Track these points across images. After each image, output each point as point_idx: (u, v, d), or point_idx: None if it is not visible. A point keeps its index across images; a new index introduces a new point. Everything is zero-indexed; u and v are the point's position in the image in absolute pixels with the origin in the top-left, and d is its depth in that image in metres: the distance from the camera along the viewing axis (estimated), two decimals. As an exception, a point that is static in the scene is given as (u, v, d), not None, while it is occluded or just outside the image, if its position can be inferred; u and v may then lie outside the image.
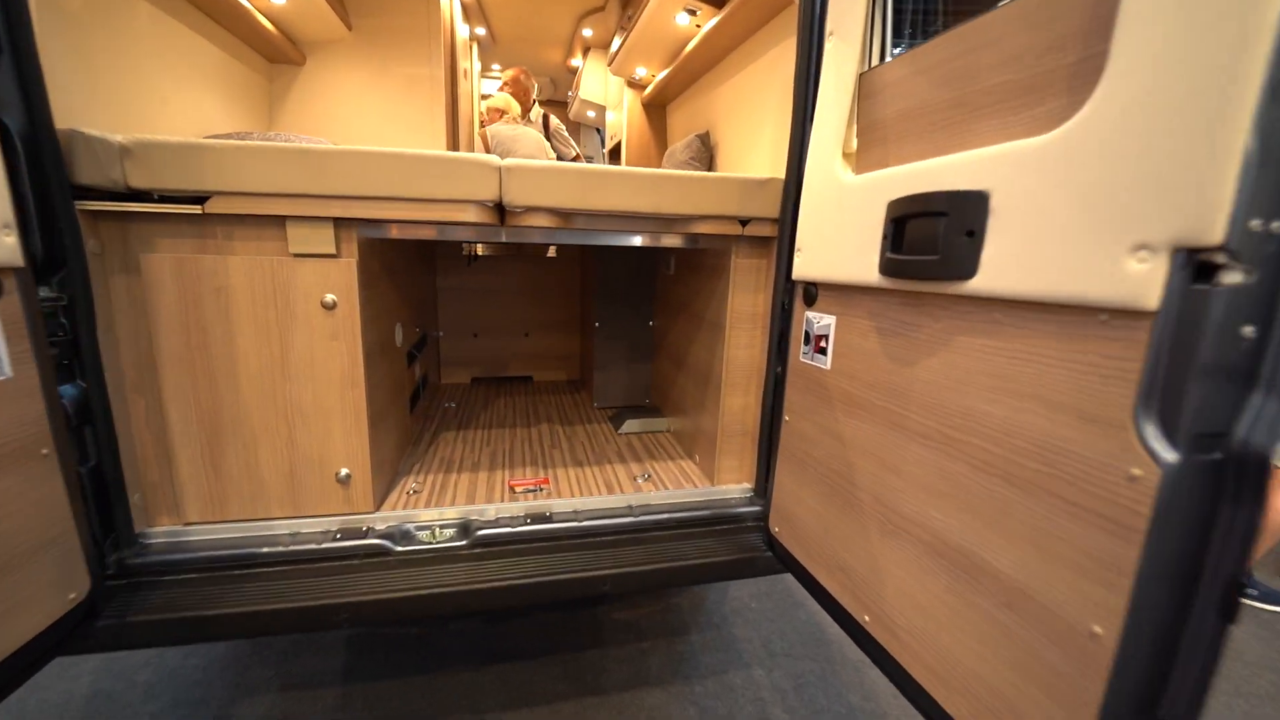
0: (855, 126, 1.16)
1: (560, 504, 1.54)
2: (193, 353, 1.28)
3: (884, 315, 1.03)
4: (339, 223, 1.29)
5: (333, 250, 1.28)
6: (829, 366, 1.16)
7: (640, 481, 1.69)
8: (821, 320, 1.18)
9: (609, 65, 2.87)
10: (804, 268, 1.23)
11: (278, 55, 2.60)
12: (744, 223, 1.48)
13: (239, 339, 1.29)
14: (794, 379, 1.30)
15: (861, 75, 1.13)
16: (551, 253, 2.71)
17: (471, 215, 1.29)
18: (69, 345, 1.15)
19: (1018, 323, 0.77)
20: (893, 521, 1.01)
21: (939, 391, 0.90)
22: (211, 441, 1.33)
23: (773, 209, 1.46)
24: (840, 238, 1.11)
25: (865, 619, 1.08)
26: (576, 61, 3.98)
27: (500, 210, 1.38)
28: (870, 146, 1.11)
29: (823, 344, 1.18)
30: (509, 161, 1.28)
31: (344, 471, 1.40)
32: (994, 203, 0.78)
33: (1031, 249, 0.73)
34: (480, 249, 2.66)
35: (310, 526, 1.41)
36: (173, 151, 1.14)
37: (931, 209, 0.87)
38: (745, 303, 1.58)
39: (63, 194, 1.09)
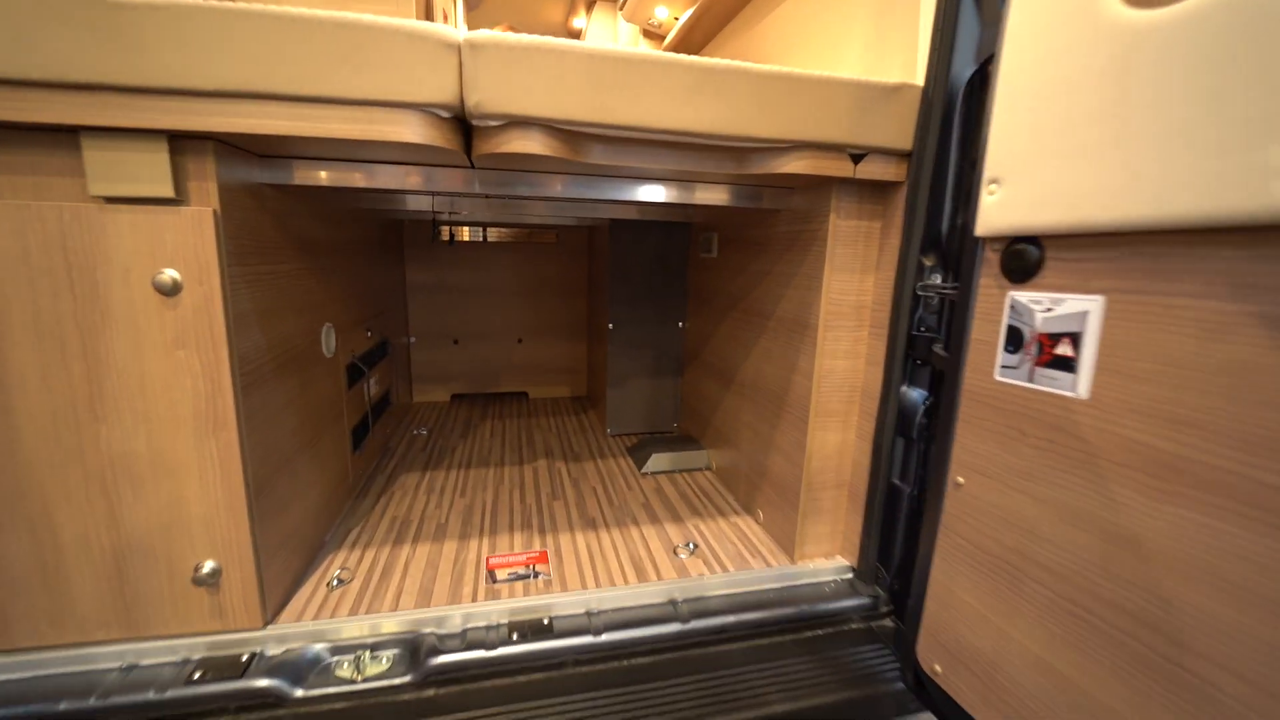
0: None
1: (565, 601, 0.99)
2: (-78, 373, 0.73)
3: (1253, 291, 0.48)
4: (178, 141, 0.74)
5: (169, 191, 0.74)
6: (1083, 393, 0.61)
7: (684, 556, 1.14)
8: (1063, 306, 0.63)
9: (620, 9, 2.34)
10: (1010, 212, 0.69)
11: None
12: (857, 157, 0.93)
13: (8, 351, 0.74)
14: (974, 412, 0.75)
15: None
16: (552, 237, 2.17)
17: (413, 132, 0.75)
18: None
19: None
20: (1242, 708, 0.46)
21: None
22: (-28, 524, 0.78)
23: (902, 135, 0.92)
24: (1118, 141, 0.57)
25: None
26: (579, 22, 3.45)
27: (464, 128, 0.83)
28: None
29: (1065, 350, 0.63)
30: (478, 34, 0.73)
31: (208, 566, 0.84)
32: None
33: None
34: (466, 232, 2.12)
35: (154, 656, 0.86)
36: None
37: None
38: (847, 288, 1.03)
39: None
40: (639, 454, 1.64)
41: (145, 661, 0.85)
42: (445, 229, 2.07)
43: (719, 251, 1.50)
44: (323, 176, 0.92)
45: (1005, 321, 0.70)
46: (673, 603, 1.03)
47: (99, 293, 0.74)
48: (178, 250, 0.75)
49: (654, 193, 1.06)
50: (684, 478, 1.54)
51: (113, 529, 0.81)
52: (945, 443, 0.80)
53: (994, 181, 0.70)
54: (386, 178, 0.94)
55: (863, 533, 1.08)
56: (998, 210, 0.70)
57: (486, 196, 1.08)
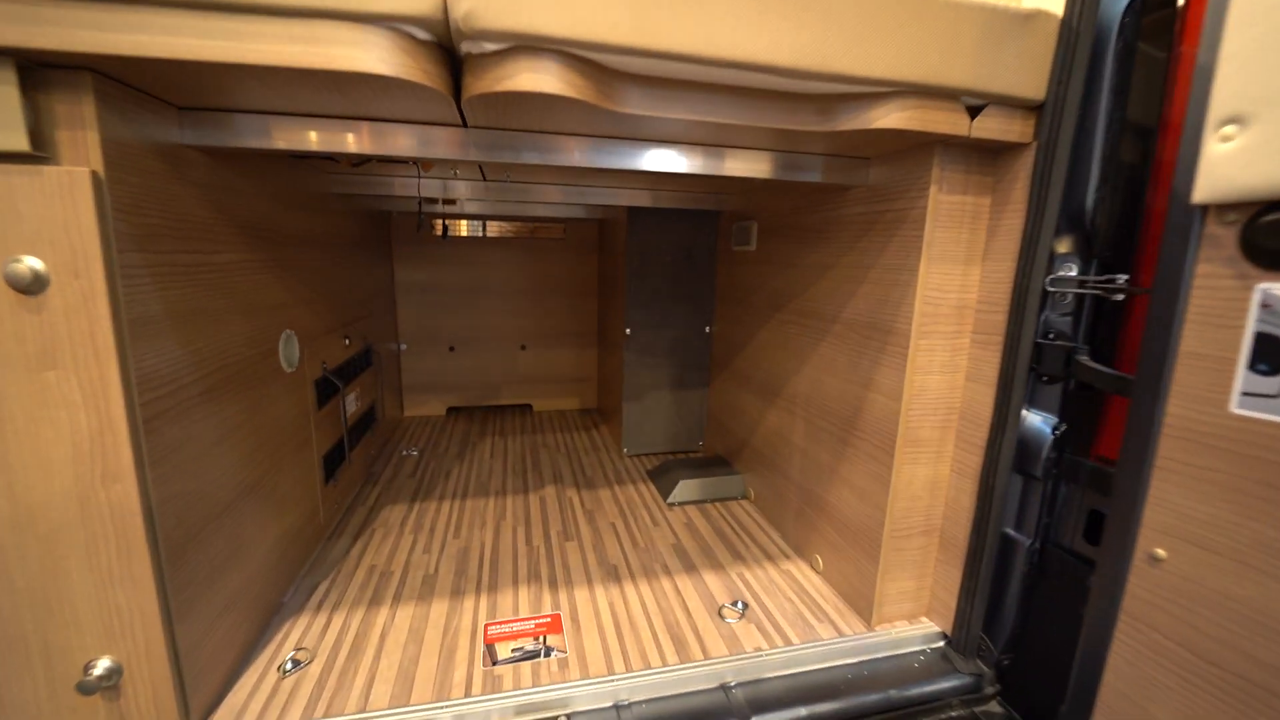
0: None
1: (587, 692, 0.76)
2: None
3: None
4: (37, 73, 0.52)
5: (22, 143, 0.51)
6: None
7: (732, 620, 0.91)
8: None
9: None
10: (1262, 164, 0.46)
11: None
12: (975, 110, 0.71)
13: None
14: (1188, 457, 0.52)
15: None
16: (559, 231, 1.94)
17: (377, 58, 0.52)
18: None
19: None
20: None
21: None
22: None
23: (1031, 80, 0.69)
24: None
25: None
26: None
27: (452, 63, 0.61)
28: None
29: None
30: (463, -89, 0.51)
31: (102, 665, 0.61)
32: None
33: None
34: (463, 227, 1.89)
35: (31, 787, 0.62)
36: None
37: None
38: (947, 283, 0.80)
39: None
40: (662, 479, 1.41)
41: (19, 793, 0.62)
42: (438, 222, 1.85)
43: (759, 243, 1.27)
44: (267, 137, 0.70)
45: (1251, 327, 0.47)
46: (724, 688, 0.80)
47: (-77, 289, 0.52)
48: (39, 229, 0.52)
49: (692, 162, 0.83)
50: (717, 509, 1.31)
51: (-36, 618, 0.58)
52: (1131, 497, 0.57)
53: (1232, 122, 0.47)
54: (353, 138, 0.71)
55: (961, 593, 0.85)
56: (1238, 163, 0.47)
57: (477, 164, 0.85)
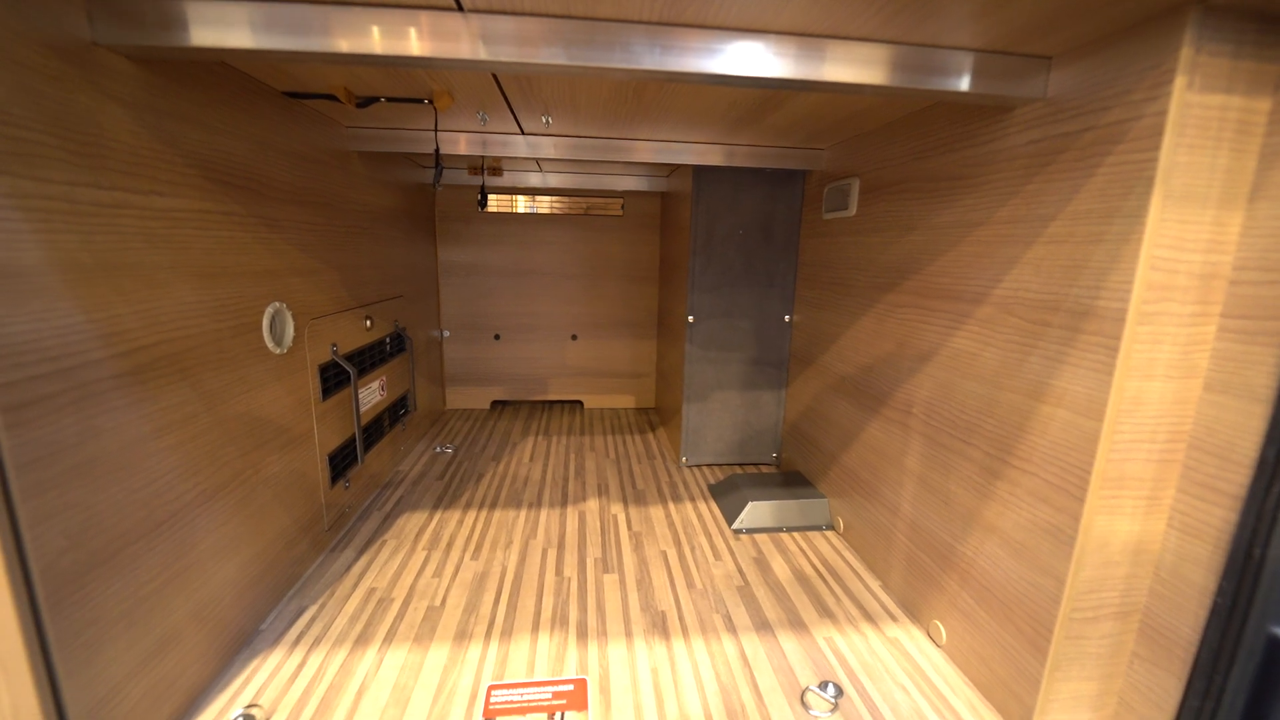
0: None
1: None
2: None
3: None
4: None
5: None
6: None
7: (821, 714, 0.65)
8: None
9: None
10: None
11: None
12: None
13: None
14: None
15: None
16: (616, 206, 1.73)
17: None
18: None
19: None
20: None
21: None
22: None
23: None
24: None
25: None
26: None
27: None
28: None
29: None
30: None
31: (-47, 739, 0.45)
32: None
33: None
34: (519, 203, 1.72)
35: None
36: None
37: None
38: (1191, 238, 0.51)
39: None
40: (727, 499, 1.16)
41: None
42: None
43: (860, 205, 1.00)
44: (218, 29, 0.52)
45: None
46: (810, 824, 0.55)
47: None
48: None
49: (780, 63, 0.58)
50: (794, 540, 1.04)
51: None
52: None
53: None
54: (321, 33, 0.52)
55: (1183, 712, 0.55)
56: None
57: (486, 65, 0.65)
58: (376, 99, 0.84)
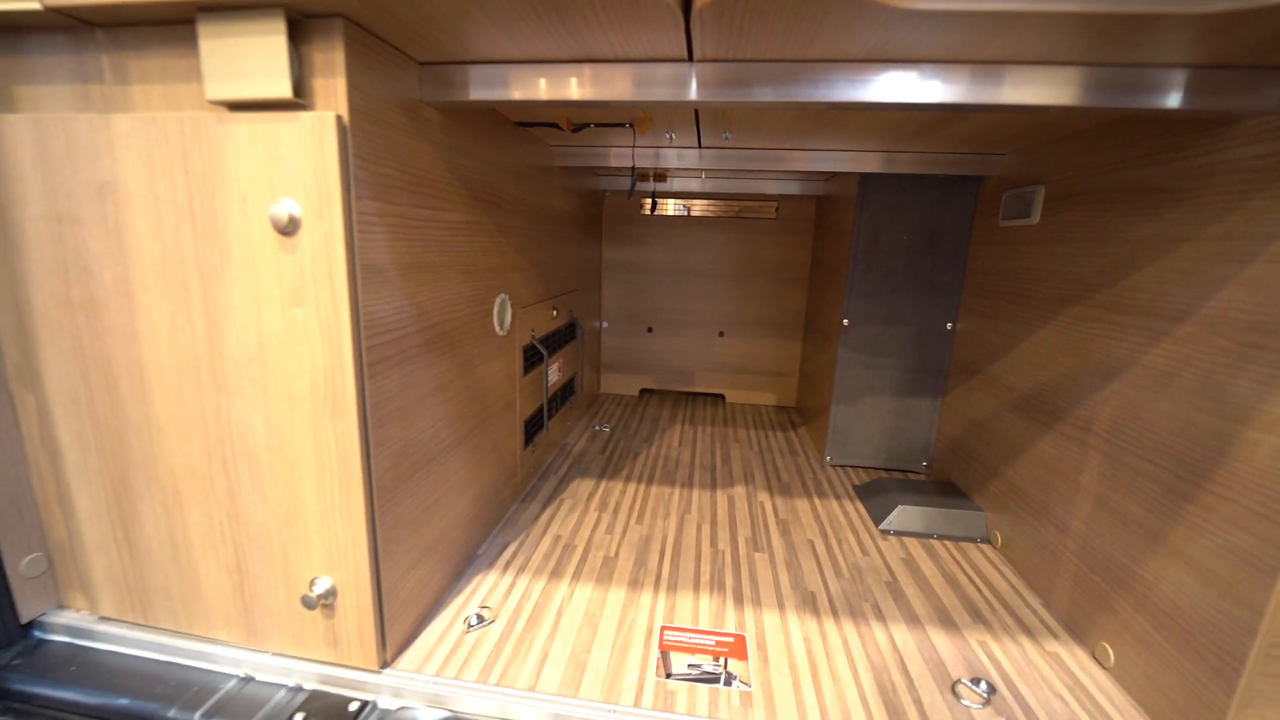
0: None
1: (772, 744, 0.63)
2: (76, 316, 0.65)
3: None
4: (301, 23, 0.54)
5: (286, 90, 0.54)
6: None
7: (973, 705, 0.69)
8: None
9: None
10: None
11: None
12: None
13: (139, 295, 0.63)
14: None
15: None
16: (770, 210, 1.79)
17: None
18: None
19: None
20: None
21: None
22: (119, 486, 0.70)
23: None
24: None
25: None
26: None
27: (686, 4, 0.51)
28: None
29: None
30: None
31: (321, 585, 0.66)
32: None
33: None
34: (669, 206, 1.85)
35: (271, 671, 0.71)
36: None
37: None
38: None
39: None
40: (875, 500, 1.19)
41: (260, 676, 0.71)
42: (646, 201, 1.82)
43: (1044, 214, 0.97)
44: (501, 87, 0.68)
45: None
46: (958, 795, 0.59)
47: (218, 228, 0.59)
48: (295, 173, 0.56)
49: (975, 89, 0.62)
50: (947, 549, 1.05)
51: (233, 517, 0.67)
52: None
53: None
54: (575, 82, 0.66)
55: None
56: None
57: (706, 105, 0.75)
58: (588, 125, 1.00)
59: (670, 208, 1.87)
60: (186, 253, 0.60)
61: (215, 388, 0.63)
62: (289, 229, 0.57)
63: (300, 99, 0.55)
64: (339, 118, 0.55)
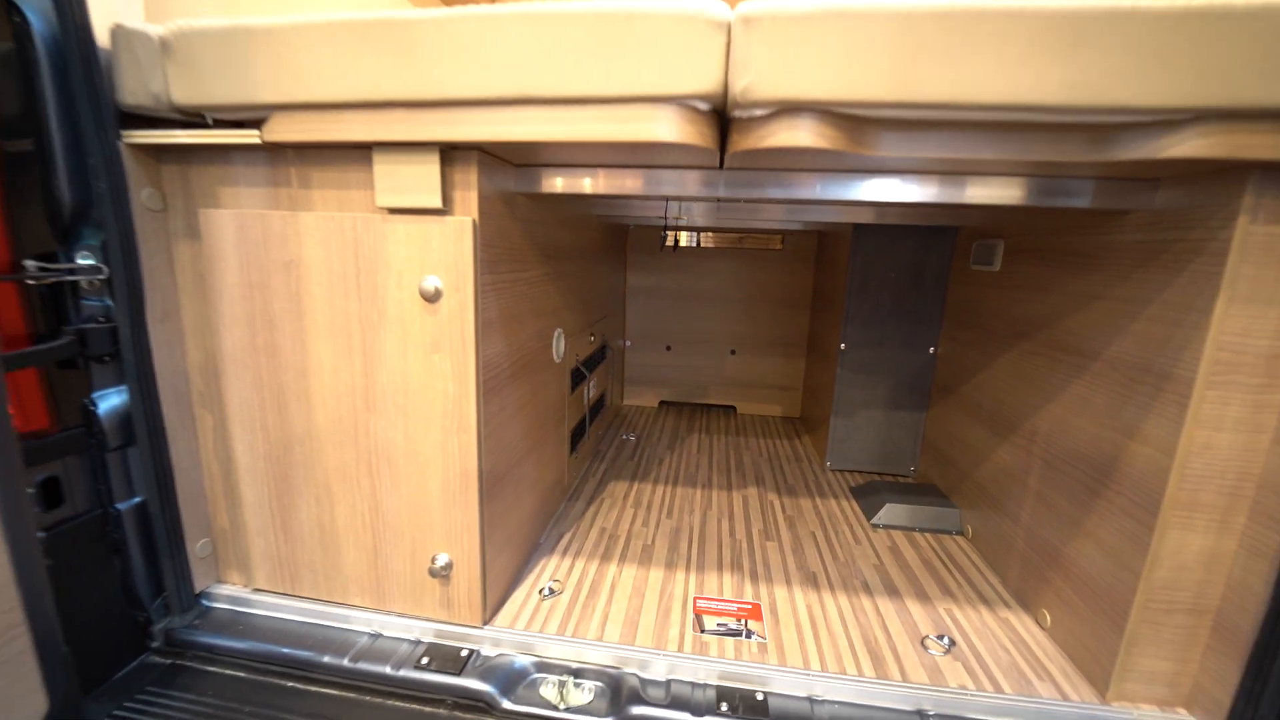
0: None
1: (784, 677, 0.84)
2: (258, 357, 0.87)
3: None
4: (448, 153, 0.76)
5: (437, 202, 0.76)
6: None
7: (936, 653, 0.90)
8: None
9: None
10: None
11: None
12: (1313, 129, 0.60)
13: (311, 342, 0.85)
14: None
15: None
16: (777, 242, 2.01)
17: (667, 129, 0.66)
18: (107, 336, 0.81)
19: None
20: None
21: None
22: (281, 485, 0.91)
23: None
24: None
25: None
26: None
27: (721, 123, 0.72)
28: None
29: None
30: (753, 6, 0.61)
31: (441, 559, 0.88)
32: None
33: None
34: (684, 236, 2.08)
35: (396, 629, 0.92)
36: (216, 41, 0.72)
37: None
38: (1256, 327, 0.69)
39: (100, 119, 0.73)
40: (867, 499, 1.39)
41: (388, 633, 0.92)
42: (671, 235, 2.05)
43: (1004, 264, 1.19)
44: (573, 184, 0.90)
45: None
46: (920, 714, 0.80)
47: (378, 295, 0.81)
48: (440, 258, 0.78)
49: (935, 191, 0.84)
50: (926, 539, 1.26)
51: (374, 509, 0.89)
52: None
53: None
54: (632, 183, 0.88)
55: (1240, 694, 0.72)
56: None
57: (728, 201, 0.97)
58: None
59: (684, 238, 2.09)
60: (351, 312, 0.82)
61: (367, 410, 0.85)
62: (434, 297, 0.79)
63: (445, 207, 0.77)
64: (473, 221, 0.77)
